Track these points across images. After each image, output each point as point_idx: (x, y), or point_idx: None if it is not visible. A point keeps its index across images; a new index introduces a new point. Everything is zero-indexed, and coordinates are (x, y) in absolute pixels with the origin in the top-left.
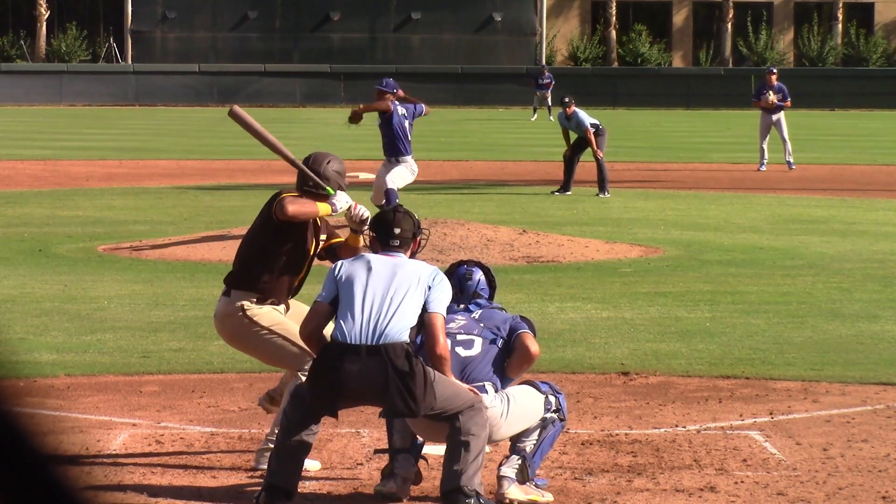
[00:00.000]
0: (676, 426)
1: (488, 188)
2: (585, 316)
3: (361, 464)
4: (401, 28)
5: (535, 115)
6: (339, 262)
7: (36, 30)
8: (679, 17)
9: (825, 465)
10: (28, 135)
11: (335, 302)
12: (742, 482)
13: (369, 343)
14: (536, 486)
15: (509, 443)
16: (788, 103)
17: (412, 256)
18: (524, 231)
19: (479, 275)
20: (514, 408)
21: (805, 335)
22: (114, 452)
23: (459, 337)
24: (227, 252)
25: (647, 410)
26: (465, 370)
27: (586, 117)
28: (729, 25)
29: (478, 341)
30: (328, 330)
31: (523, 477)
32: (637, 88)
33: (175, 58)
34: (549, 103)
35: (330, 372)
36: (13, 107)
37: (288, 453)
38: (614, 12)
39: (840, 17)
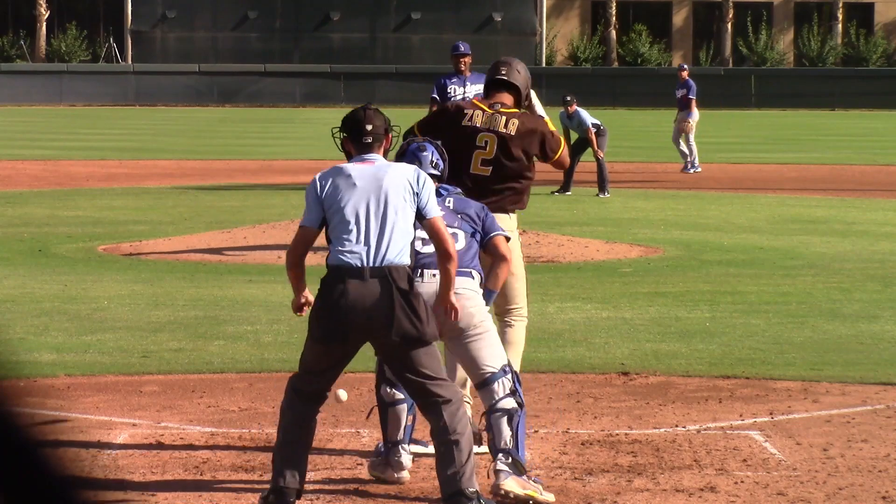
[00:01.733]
0: (676, 426)
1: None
2: (585, 316)
3: (361, 464)
4: (401, 28)
5: None
6: (317, 180)
7: (36, 30)
8: (679, 17)
9: (825, 465)
10: (28, 135)
11: (322, 224)
12: (742, 482)
13: (372, 265)
14: (534, 482)
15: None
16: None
17: (385, 154)
18: (524, 231)
19: (431, 148)
20: (490, 334)
21: (805, 335)
22: (114, 452)
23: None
24: (226, 252)
25: (647, 410)
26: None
27: (588, 117)
28: (729, 25)
29: (461, 235)
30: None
31: (518, 470)
32: (637, 88)
33: (175, 58)
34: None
35: (339, 298)
36: (13, 107)
37: (292, 449)
38: (614, 12)
39: (840, 17)
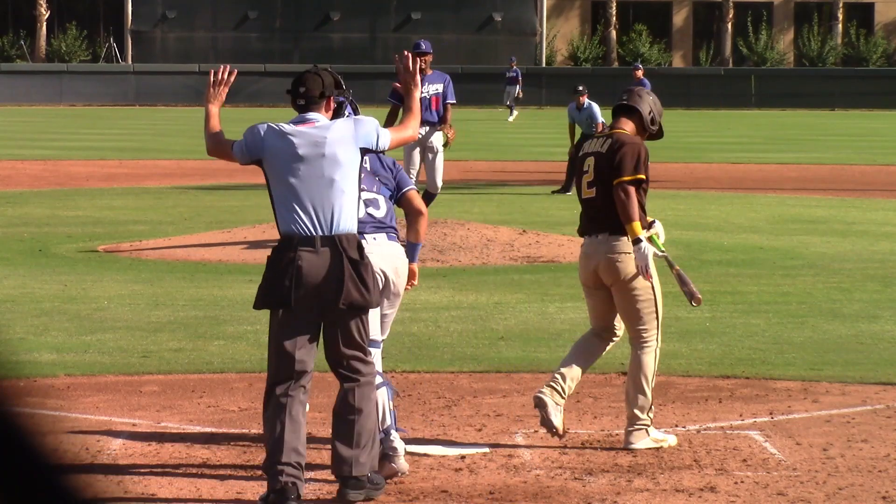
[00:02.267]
0: (676, 426)
1: (488, 188)
2: (585, 316)
3: None
4: (401, 28)
5: (514, 115)
6: (256, 134)
7: (36, 30)
8: (679, 17)
9: (825, 465)
10: (28, 135)
11: (244, 159)
12: (742, 482)
13: (323, 234)
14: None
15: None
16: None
17: (334, 118)
18: (524, 231)
19: (345, 103)
20: (398, 302)
21: (805, 335)
22: (114, 452)
23: (365, 196)
24: (226, 252)
25: None
26: (379, 230)
27: (599, 112)
28: (729, 25)
29: (381, 200)
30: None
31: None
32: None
33: (175, 58)
34: (514, 102)
35: (288, 265)
36: (13, 107)
37: (285, 447)
38: (614, 12)
39: (840, 17)
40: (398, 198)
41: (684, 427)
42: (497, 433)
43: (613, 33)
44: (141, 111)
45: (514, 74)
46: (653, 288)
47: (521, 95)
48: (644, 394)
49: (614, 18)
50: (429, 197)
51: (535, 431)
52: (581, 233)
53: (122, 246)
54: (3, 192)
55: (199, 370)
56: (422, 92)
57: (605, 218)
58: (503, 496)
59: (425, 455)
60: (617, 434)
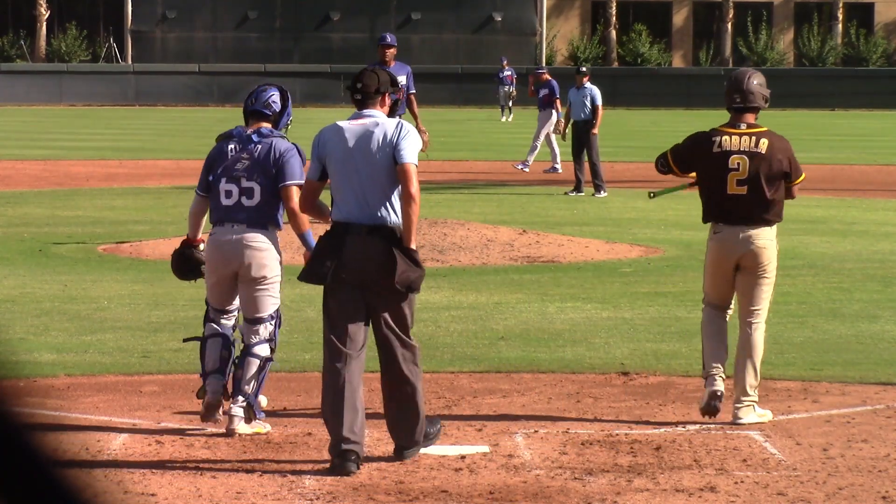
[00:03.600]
0: (676, 426)
1: (488, 188)
2: (585, 316)
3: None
4: (401, 28)
5: (509, 116)
6: (318, 137)
7: (36, 30)
8: (679, 17)
9: (825, 465)
10: (28, 135)
11: (324, 177)
12: (742, 482)
13: (368, 223)
14: (258, 419)
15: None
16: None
17: (391, 114)
18: (524, 231)
19: (273, 90)
20: (275, 286)
21: (805, 335)
22: (114, 452)
23: (244, 183)
24: None
25: (647, 410)
26: (250, 219)
27: (600, 95)
28: (729, 25)
29: (257, 190)
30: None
31: (250, 416)
32: (637, 88)
33: (175, 58)
34: (511, 102)
35: (337, 249)
36: (13, 107)
37: (341, 408)
38: (614, 12)
39: (840, 17)
40: (279, 190)
41: (684, 427)
42: (497, 433)
43: (613, 33)
44: (141, 111)
45: (510, 73)
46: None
47: (514, 94)
48: (756, 371)
49: (614, 18)
50: None
51: (536, 431)
52: (719, 221)
53: (122, 246)
54: (3, 192)
55: (200, 370)
56: None
57: (751, 211)
58: (503, 496)
59: (425, 455)
60: (617, 434)
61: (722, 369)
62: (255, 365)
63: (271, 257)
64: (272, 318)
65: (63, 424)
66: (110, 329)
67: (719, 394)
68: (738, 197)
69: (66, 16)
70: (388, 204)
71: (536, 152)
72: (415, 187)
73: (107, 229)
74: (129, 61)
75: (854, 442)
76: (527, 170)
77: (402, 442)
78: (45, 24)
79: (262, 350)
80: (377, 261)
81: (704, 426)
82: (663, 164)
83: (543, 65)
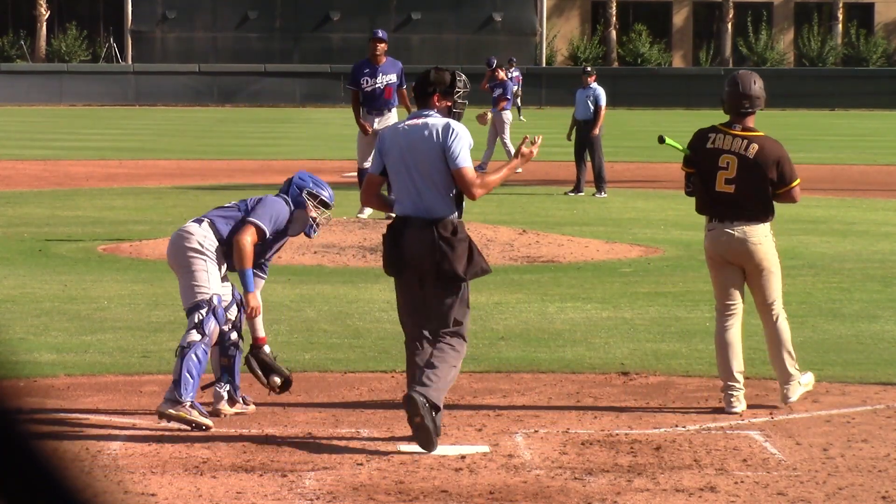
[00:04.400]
0: (676, 426)
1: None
2: (585, 316)
3: (361, 464)
4: (401, 28)
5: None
6: (381, 135)
7: (36, 30)
8: (679, 17)
9: (825, 465)
10: (28, 135)
11: (385, 172)
12: (742, 482)
13: (423, 217)
14: (193, 405)
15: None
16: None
17: (451, 115)
18: (524, 231)
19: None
20: (194, 270)
21: (805, 335)
22: (114, 452)
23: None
24: None
25: (647, 410)
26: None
27: (604, 97)
28: (729, 25)
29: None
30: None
31: (174, 402)
32: (637, 88)
33: (175, 58)
34: (519, 102)
35: (398, 242)
36: (13, 107)
37: (415, 373)
38: (614, 12)
39: (840, 17)
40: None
41: (684, 427)
42: (497, 433)
43: (613, 33)
44: (141, 111)
45: (517, 74)
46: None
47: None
48: (791, 354)
49: (614, 18)
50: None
51: (536, 431)
52: (711, 216)
53: (122, 246)
54: (3, 192)
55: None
56: (377, 83)
57: (738, 209)
58: (503, 496)
59: (425, 455)
60: (617, 434)
61: (741, 383)
62: (179, 352)
63: (186, 247)
64: (198, 307)
65: (63, 424)
66: (110, 329)
67: (741, 414)
68: (727, 195)
69: (66, 16)
70: (441, 199)
71: (508, 148)
72: (475, 189)
73: (107, 229)
74: (129, 61)
75: (854, 442)
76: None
77: (413, 389)
78: (45, 24)
79: (189, 336)
80: (431, 253)
81: (704, 426)
82: (686, 182)
83: (543, 62)
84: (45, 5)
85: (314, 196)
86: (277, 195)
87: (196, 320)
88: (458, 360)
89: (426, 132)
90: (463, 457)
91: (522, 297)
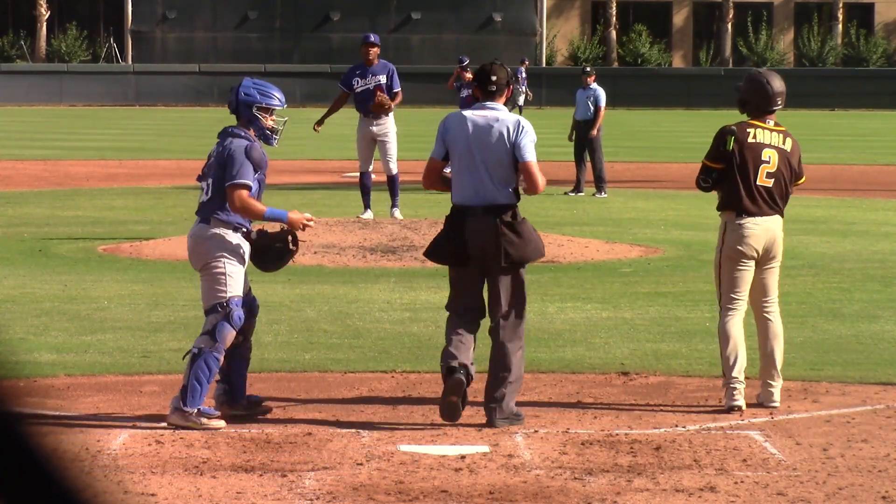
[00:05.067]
0: (676, 426)
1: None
2: (585, 316)
3: (361, 464)
4: (401, 28)
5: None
6: (444, 122)
7: (36, 30)
8: (679, 17)
9: (825, 465)
10: (28, 135)
11: (446, 157)
12: (742, 482)
13: (484, 205)
14: (200, 412)
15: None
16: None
17: (506, 103)
18: None
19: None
20: (213, 275)
21: (805, 335)
22: (114, 452)
23: (202, 183)
24: None
25: (647, 410)
26: (199, 215)
27: (604, 97)
28: (729, 25)
29: (207, 187)
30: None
31: (181, 408)
32: (637, 88)
33: (175, 58)
34: (521, 102)
35: (459, 229)
36: (13, 107)
37: (457, 348)
38: (614, 12)
39: (840, 17)
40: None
41: (684, 427)
42: (497, 433)
43: (613, 33)
44: (141, 111)
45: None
46: None
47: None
48: (782, 353)
49: (614, 18)
50: (393, 182)
51: (536, 431)
52: (749, 213)
53: (122, 246)
54: (3, 192)
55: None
56: (367, 83)
57: (774, 202)
58: (503, 496)
59: (425, 455)
60: (617, 434)
61: (742, 377)
62: (189, 359)
63: (209, 248)
64: (214, 310)
65: (63, 424)
66: (110, 329)
67: (741, 410)
68: (766, 188)
69: (66, 16)
70: (504, 189)
71: None
72: (539, 182)
73: (107, 229)
74: (129, 61)
75: (854, 442)
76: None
77: (491, 404)
78: (45, 24)
79: (199, 341)
80: (492, 239)
81: (704, 426)
82: (705, 175)
83: (543, 62)
84: (45, 5)
85: (266, 109)
86: (232, 130)
87: (210, 325)
88: (521, 347)
89: (496, 126)
90: (463, 457)
91: None
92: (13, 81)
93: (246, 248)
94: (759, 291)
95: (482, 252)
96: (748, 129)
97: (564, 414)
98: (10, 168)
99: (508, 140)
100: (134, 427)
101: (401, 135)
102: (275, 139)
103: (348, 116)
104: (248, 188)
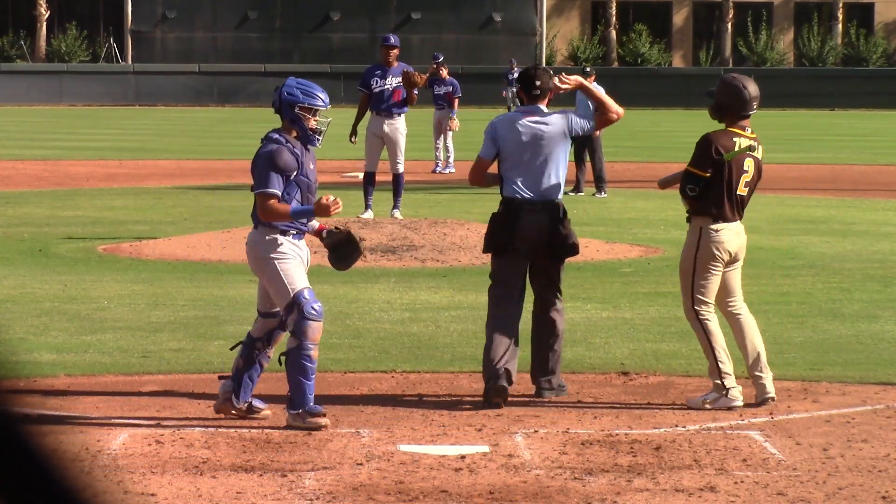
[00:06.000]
0: (676, 426)
1: (488, 188)
2: (585, 316)
3: (361, 464)
4: (401, 28)
5: None
6: (494, 124)
7: (36, 30)
8: (679, 17)
9: (825, 465)
10: (28, 135)
11: (495, 157)
12: (742, 482)
13: (538, 200)
14: (306, 415)
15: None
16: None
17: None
18: None
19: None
20: (270, 278)
21: (805, 335)
22: (114, 452)
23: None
24: (226, 252)
25: (647, 410)
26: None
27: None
28: (729, 25)
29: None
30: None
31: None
32: (637, 88)
33: (175, 58)
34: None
35: (512, 222)
36: (13, 107)
37: (494, 343)
38: (614, 12)
39: (840, 17)
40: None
41: (684, 427)
42: (497, 433)
43: (613, 33)
44: (141, 111)
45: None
46: None
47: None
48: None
49: (614, 18)
50: (398, 181)
51: (535, 431)
52: (726, 220)
53: (122, 246)
54: (3, 192)
55: (199, 370)
56: (385, 84)
57: (744, 209)
58: (503, 496)
59: (425, 455)
60: (617, 434)
61: (762, 371)
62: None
63: (258, 253)
64: (291, 304)
65: (63, 424)
66: (110, 329)
67: (774, 398)
68: (741, 196)
69: (66, 16)
70: (556, 186)
71: (452, 149)
72: (616, 106)
73: (107, 229)
74: (129, 61)
75: (854, 442)
76: (454, 170)
77: (541, 379)
78: (45, 24)
79: (289, 343)
80: (546, 230)
81: (704, 426)
82: (693, 184)
83: (543, 62)
84: (45, 5)
85: (309, 109)
86: (268, 135)
87: (292, 325)
88: (563, 319)
89: (548, 127)
90: (463, 457)
91: None
92: (13, 81)
93: (299, 248)
94: (724, 292)
95: (535, 244)
96: (734, 139)
97: (564, 414)
98: (10, 168)
99: (562, 140)
100: (134, 427)
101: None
102: (317, 140)
103: (349, 117)
104: (271, 195)
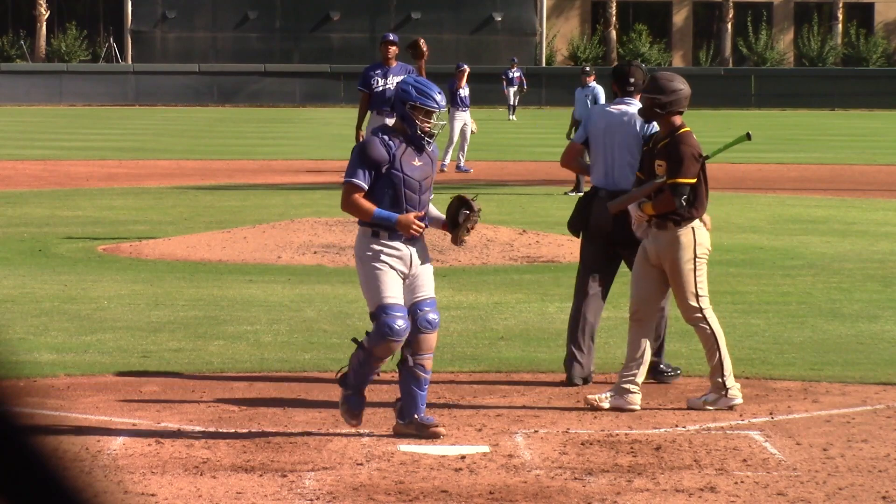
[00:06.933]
0: (676, 426)
1: (488, 188)
2: None
3: (361, 464)
4: (401, 28)
5: (512, 114)
6: (592, 110)
7: (36, 30)
8: (679, 17)
9: (825, 465)
10: (28, 135)
11: (586, 142)
12: (742, 482)
13: (611, 189)
14: (419, 419)
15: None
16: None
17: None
18: (524, 231)
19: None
20: (361, 283)
21: (805, 335)
22: (114, 452)
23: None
24: (226, 252)
25: (647, 410)
26: None
27: (602, 96)
28: (729, 25)
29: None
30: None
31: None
32: None
33: (175, 58)
34: (515, 102)
35: (588, 207)
36: (13, 107)
37: (576, 334)
38: (614, 12)
39: (840, 17)
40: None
41: (684, 427)
42: (497, 433)
43: (613, 33)
44: (141, 111)
45: (519, 74)
46: None
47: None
48: None
49: (614, 18)
50: None
51: (536, 431)
52: (700, 217)
53: (122, 246)
54: (3, 192)
55: (199, 370)
56: (387, 83)
57: None
58: (503, 496)
59: (425, 455)
60: (617, 434)
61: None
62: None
63: (355, 254)
64: (373, 314)
65: (63, 424)
66: (110, 329)
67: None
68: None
69: (66, 16)
70: (627, 176)
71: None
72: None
73: (107, 229)
74: (129, 61)
75: (854, 442)
76: (445, 169)
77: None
78: (45, 24)
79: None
80: (618, 218)
81: (704, 426)
82: (685, 193)
83: (543, 62)
84: (45, 5)
85: (420, 109)
86: (373, 129)
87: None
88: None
89: (626, 118)
90: (463, 457)
91: (522, 297)
92: (13, 81)
93: (397, 250)
94: (659, 294)
95: (603, 230)
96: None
97: (564, 414)
98: (10, 168)
99: (637, 132)
100: (134, 427)
101: None
102: (427, 142)
103: (349, 117)
104: (355, 186)
